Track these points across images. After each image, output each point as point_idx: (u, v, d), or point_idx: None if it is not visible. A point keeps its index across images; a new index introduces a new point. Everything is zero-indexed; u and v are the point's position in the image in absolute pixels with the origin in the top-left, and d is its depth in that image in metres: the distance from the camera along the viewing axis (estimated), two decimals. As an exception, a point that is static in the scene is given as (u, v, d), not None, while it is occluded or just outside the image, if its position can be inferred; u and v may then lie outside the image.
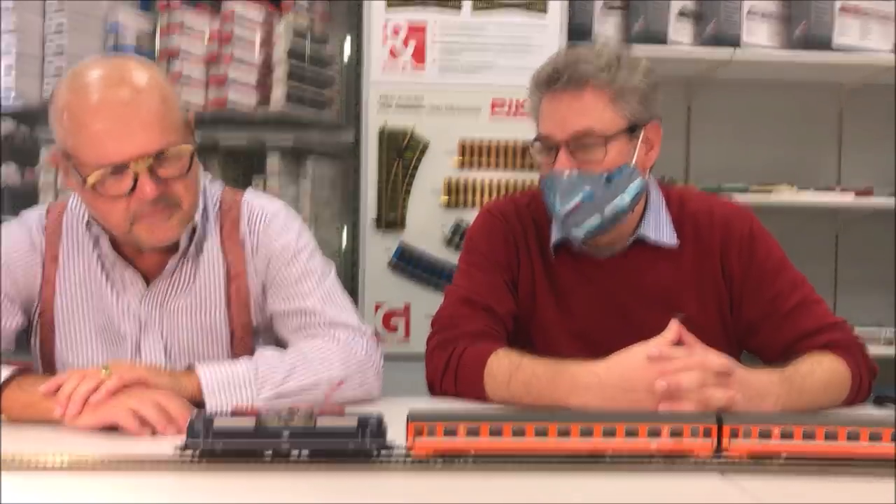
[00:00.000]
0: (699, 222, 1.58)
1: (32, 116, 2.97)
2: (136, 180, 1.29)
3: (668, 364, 1.25)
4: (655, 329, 1.31)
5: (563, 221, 1.52)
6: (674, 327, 1.30)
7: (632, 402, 1.25)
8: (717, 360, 1.25)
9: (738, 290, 1.55)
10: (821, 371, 1.38)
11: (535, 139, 1.52)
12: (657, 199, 1.59)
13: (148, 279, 1.44)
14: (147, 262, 1.44)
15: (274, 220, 1.50)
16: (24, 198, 3.00)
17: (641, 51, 2.72)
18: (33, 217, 1.47)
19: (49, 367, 1.47)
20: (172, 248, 1.42)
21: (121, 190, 1.30)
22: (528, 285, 1.59)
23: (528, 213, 1.63)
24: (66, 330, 1.45)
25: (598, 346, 1.37)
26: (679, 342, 1.29)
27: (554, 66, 1.47)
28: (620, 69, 1.46)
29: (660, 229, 1.56)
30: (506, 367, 1.39)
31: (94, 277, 1.44)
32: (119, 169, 1.28)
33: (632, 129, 1.48)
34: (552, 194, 1.50)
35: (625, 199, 1.48)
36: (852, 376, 1.42)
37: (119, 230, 1.35)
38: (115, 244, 1.42)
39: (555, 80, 1.46)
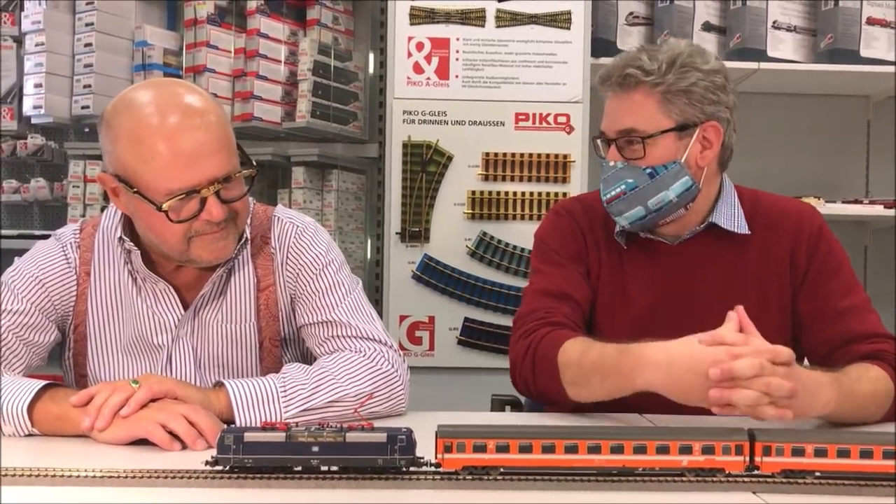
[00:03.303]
0: (772, 216, 1.60)
1: (61, 132, 3.02)
2: (202, 203, 1.32)
3: (734, 349, 1.21)
4: (712, 318, 1.29)
5: (609, 209, 1.56)
6: (735, 316, 1.27)
7: (700, 387, 1.21)
8: (779, 347, 1.22)
9: (799, 284, 1.56)
10: (868, 380, 1.36)
11: (597, 135, 1.60)
12: (730, 191, 1.61)
13: (179, 291, 1.46)
14: (179, 276, 1.45)
15: (303, 234, 1.51)
16: (53, 211, 3.05)
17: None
18: (67, 234, 1.49)
19: (80, 381, 1.48)
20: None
21: (188, 213, 1.32)
22: (595, 273, 1.62)
23: (597, 207, 1.63)
24: (98, 343, 1.47)
25: (655, 332, 1.34)
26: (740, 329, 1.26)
27: (607, 68, 1.55)
28: (671, 71, 1.49)
29: (732, 217, 1.58)
30: (578, 349, 1.41)
31: (125, 291, 1.46)
32: (189, 194, 1.31)
33: (682, 128, 1.51)
34: (601, 182, 1.56)
35: (669, 195, 1.51)
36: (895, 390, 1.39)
37: (176, 250, 1.37)
38: (147, 259, 1.44)
39: (606, 81, 1.55)
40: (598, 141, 1.60)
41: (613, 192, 1.54)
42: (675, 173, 1.51)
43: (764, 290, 1.56)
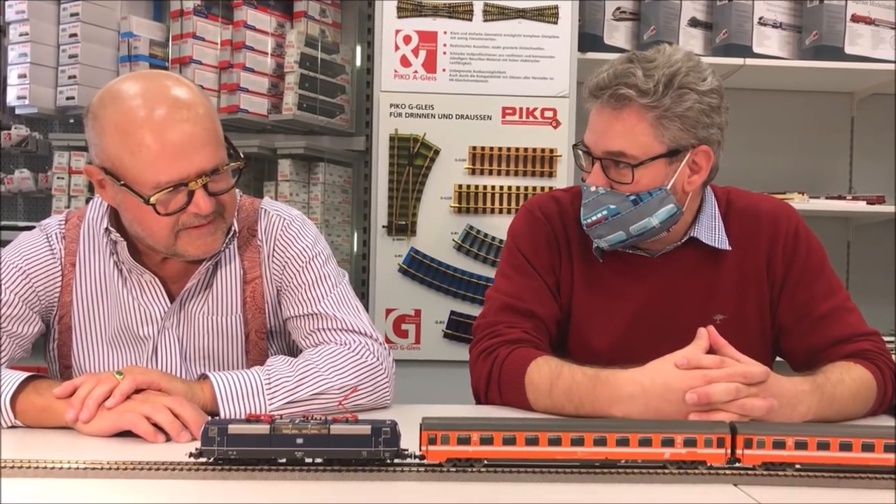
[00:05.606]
0: (746, 221, 1.56)
1: (46, 123, 3.00)
2: (189, 195, 1.31)
3: (708, 373, 1.23)
4: (693, 329, 1.30)
5: (588, 233, 1.52)
6: (705, 334, 1.29)
7: (676, 413, 1.23)
8: (752, 369, 1.24)
9: (778, 291, 1.54)
10: (850, 381, 1.37)
11: (578, 143, 1.52)
12: (710, 201, 1.57)
13: (165, 283, 1.45)
14: (165, 267, 1.45)
15: (290, 226, 1.51)
16: (37, 203, 3.03)
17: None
18: (53, 224, 1.48)
19: (65, 372, 1.48)
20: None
21: (176, 206, 1.32)
22: (568, 285, 1.58)
23: (572, 211, 1.59)
24: (83, 334, 1.46)
25: (634, 345, 1.34)
26: (712, 348, 1.28)
27: (599, 79, 1.44)
28: (668, 93, 1.40)
29: (712, 229, 1.54)
30: (546, 376, 1.38)
31: (111, 282, 1.45)
32: (177, 187, 1.30)
33: (672, 153, 1.44)
34: (581, 206, 1.51)
35: (652, 221, 1.46)
36: (878, 387, 1.40)
37: (163, 243, 1.36)
38: (133, 250, 1.43)
39: (598, 94, 1.45)
40: (581, 152, 1.52)
41: (594, 218, 1.48)
42: (660, 200, 1.45)
43: (743, 298, 1.54)
